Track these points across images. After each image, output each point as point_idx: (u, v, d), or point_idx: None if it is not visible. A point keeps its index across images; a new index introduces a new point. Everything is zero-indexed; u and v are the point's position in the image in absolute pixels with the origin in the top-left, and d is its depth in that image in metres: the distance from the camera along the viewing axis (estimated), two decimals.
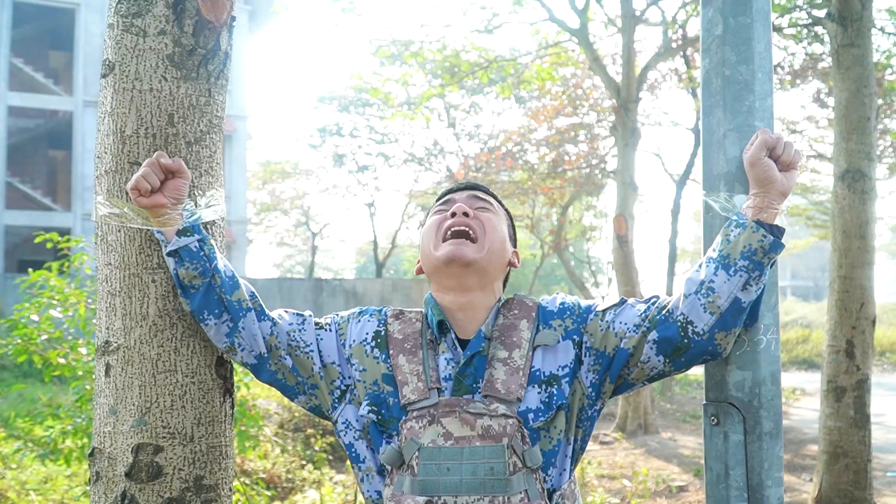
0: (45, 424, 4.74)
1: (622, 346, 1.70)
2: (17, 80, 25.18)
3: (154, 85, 1.85)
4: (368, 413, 1.68)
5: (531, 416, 1.65)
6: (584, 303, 1.82)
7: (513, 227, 1.94)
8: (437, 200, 1.91)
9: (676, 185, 15.94)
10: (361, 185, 31.60)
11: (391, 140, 28.41)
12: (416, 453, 1.59)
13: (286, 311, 1.85)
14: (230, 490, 1.92)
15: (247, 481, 5.92)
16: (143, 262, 1.83)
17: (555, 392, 1.67)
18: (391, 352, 1.74)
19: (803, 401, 14.82)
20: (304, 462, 7.44)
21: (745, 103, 1.73)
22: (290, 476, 6.88)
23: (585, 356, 1.73)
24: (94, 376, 1.93)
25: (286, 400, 8.77)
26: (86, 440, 4.39)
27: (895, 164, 17.37)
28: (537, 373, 1.69)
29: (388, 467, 1.63)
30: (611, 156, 18.33)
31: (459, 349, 1.73)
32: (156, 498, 1.80)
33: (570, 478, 1.72)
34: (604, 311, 1.76)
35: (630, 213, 11.45)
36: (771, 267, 1.63)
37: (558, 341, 1.72)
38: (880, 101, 14.10)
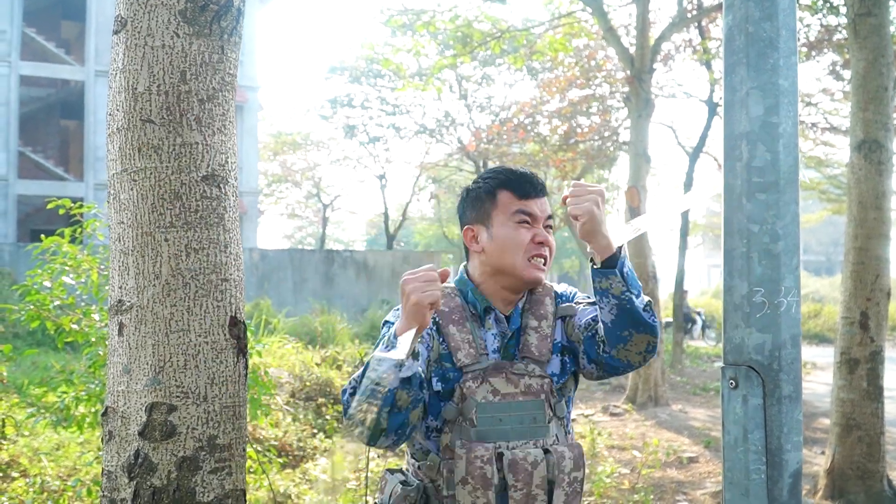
0: (58, 391, 4.75)
1: (577, 337, 2.05)
2: (29, 49, 25.15)
3: (166, 41, 1.83)
4: (437, 384, 1.95)
5: (555, 378, 2.01)
6: (577, 293, 2.18)
7: None
8: (518, 194, 2.04)
9: (689, 157, 15.83)
10: (372, 156, 31.52)
11: (402, 111, 28.26)
12: (475, 408, 1.89)
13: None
14: (243, 450, 1.92)
15: (259, 448, 5.94)
16: (155, 220, 1.82)
17: (568, 361, 2.05)
18: (440, 322, 2.00)
19: (815, 374, 14.78)
20: (315, 431, 7.47)
21: (769, 61, 1.69)
22: (301, 444, 6.90)
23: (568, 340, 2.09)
24: (107, 337, 1.92)
25: (298, 369, 8.81)
26: (99, 406, 4.40)
27: None
28: (557, 343, 2.05)
29: (446, 422, 1.92)
30: (623, 128, 18.22)
31: (505, 324, 2.04)
32: (169, 457, 1.79)
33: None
34: (579, 301, 2.13)
35: (643, 186, 11.37)
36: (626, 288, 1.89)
37: (573, 316, 2.07)
38: None
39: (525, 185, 2.04)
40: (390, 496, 1.93)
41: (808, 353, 19.23)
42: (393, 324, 1.90)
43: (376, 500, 2.02)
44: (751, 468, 1.66)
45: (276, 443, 6.59)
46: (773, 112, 1.68)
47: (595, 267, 1.89)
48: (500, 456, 1.86)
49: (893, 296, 5.76)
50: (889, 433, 8.05)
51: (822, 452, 6.49)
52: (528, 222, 2.03)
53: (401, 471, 2.02)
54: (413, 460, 2.00)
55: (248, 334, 4.92)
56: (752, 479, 1.66)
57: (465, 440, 1.87)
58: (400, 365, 1.72)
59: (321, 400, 8.30)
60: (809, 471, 6.73)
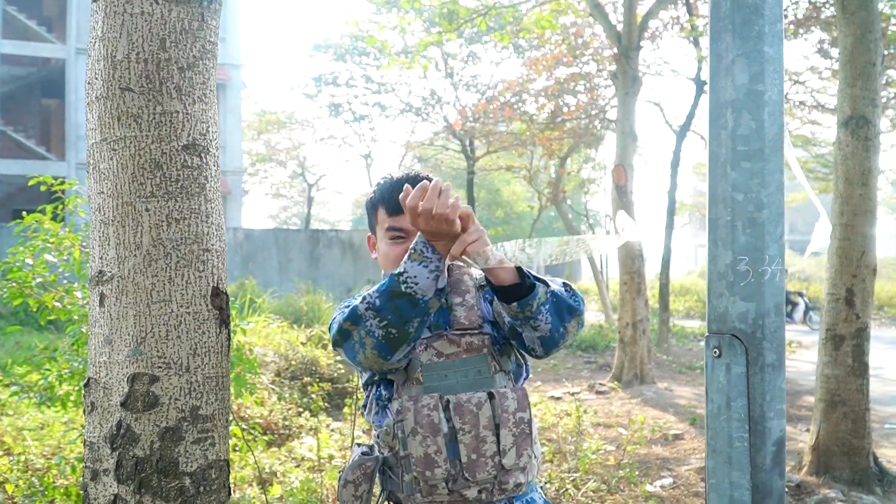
0: (41, 369, 4.74)
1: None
2: (10, 27, 24.91)
3: (145, 8, 1.81)
4: None
5: (493, 342, 2.06)
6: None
7: None
8: (388, 211, 2.05)
9: (677, 136, 15.84)
10: (358, 135, 31.45)
11: (388, 90, 28.14)
12: (420, 368, 1.96)
13: None
14: (227, 421, 1.92)
15: (244, 426, 5.95)
16: (135, 190, 1.81)
17: (497, 334, 2.07)
18: None
19: (799, 353, 14.90)
20: (300, 410, 7.48)
21: (755, 28, 1.69)
22: (287, 423, 6.91)
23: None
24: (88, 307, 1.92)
25: (283, 348, 8.81)
26: (82, 385, 4.39)
27: None
28: (484, 317, 2.09)
29: (394, 386, 1.99)
30: (610, 106, 18.21)
31: None
32: (152, 427, 1.79)
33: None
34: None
35: (629, 164, 11.38)
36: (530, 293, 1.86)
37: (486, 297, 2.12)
38: (885, 52, 13.98)
39: (394, 202, 1.99)
40: (349, 463, 1.99)
41: (795, 331, 19.38)
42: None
43: (339, 472, 2.06)
44: (734, 436, 1.67)
45: (261, 421, 6.60)
46: (759, 80, 1.69)
47: (506, 300, 1.87)
48: (446, 404, 1.92)
49: (878, 275, 5.79)
50: (874, 411, 8.13)
51: (807, 430, 6.55)
52: (401, 237, 2.03)
53: (368, 446, 2.07)
54: (376, 438, 2.03)
55: (233, 313, 4.90)
56: (734, 448, 1.67)
57: (410, 396, 1.93)
58: (437, 275, 1.80)
59: (306, 379, 8.31)
60: (794, 447, 6.79)
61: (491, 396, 1.95)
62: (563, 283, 2.02)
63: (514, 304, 1.85)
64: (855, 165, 5.53)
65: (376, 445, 2.03)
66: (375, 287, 1.84)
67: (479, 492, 1.92)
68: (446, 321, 2.06)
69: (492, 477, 1.92)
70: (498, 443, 1.93)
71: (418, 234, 1.80)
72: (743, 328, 1.68)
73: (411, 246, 1.81)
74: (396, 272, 1.79)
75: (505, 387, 2.00)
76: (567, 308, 1.95)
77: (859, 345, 5.54)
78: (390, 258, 2.03)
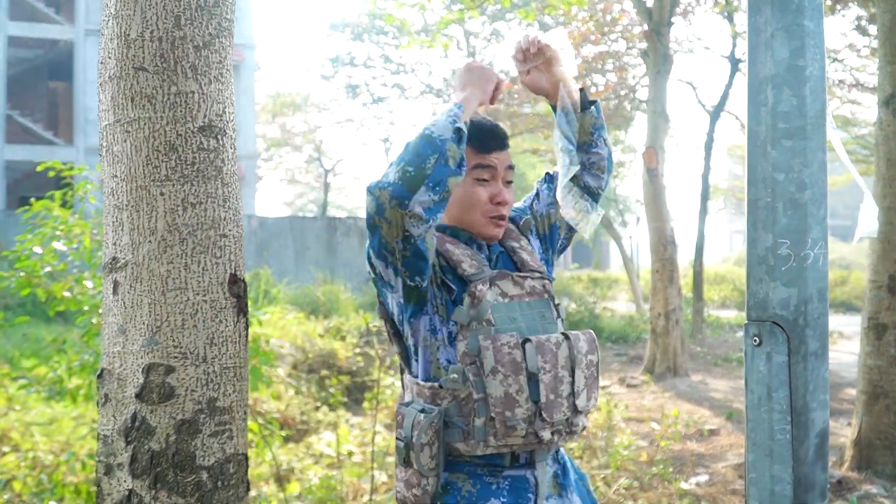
0: (50, 361, 4.77)
1: (551, 222, 2.38)
2: (17, 8, 25.04)
3: None
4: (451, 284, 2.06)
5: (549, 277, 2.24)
6: (521, 204, 2.43)
7: None
8: (478, 148, 2.14)
9: (710, 116, 15.75)
10: (376, 118, 31.51)
11: (407, 70, 28.14)
12: (490, 309, 1.99)
13: None
14: (244, 413, 1.93)
15: (261, 421, 5.99)
16: (150, 173, 1.82)
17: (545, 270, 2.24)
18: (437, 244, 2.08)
19: (841, 344, 14.79)
20: (318, 404, 7.52)
21: (794, 1, 1.68)
22: (304, 418, 6.95)
23: (541, 242, 2.37)
24: (101, 305, 1.94)
25: (300, 340, 8.86)
26: (93, 378, 4.42)
27: None
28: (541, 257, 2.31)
29: (458, 327, 2.01)
30: (641, 86, 18.12)
31: (486, 249, 2.19)
32: (168, 419, 1.80)
33: None
34: (531, 205, 2.40)
35: (661, 146, 11.33)
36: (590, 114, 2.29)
37: (528, 235, 2.32)
38: None
39: (486, 139, 2.15)
40: (412, 427, 1.97)
41: (835, 321, 19.23)
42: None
43: (397, 437, 2.03)
44: (775, 428, 1.66)
45: (277, 415, 6.64)
46: (799, 55, 1.67)
47: (578, 109, 2.23)
48: (524, 343, 1.96)
49: None
50: None
51: (849, 423, 6.51)
52: (486, 179, 2.14)
53: (420, 404, 2.04)
54: (426, 390, 2.01)
55: (248, 301, 4.95)
56: (776, 440, 1.66)
57: (484, 336, 1.96)
58: (455, 118, 1.95)
59: (324, 372, 8.35)
60: (836, 442, 6.76)
61: (566, 337, 2.04)
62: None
63: (592, 107, 2.27)
64: None
65: (422, 401, 2.02)
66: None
67: (553, 433, 1.98)
68: (507, 264, 2.17)
69: (566, 418, 1.99)
70: (573, 383, 2.01)
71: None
72: (784, 315, 1.67)
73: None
74: (427, 125, 1.97)
75: (562, 337, 2.06)
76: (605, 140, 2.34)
77: None
78: (470, 200, 2.13)
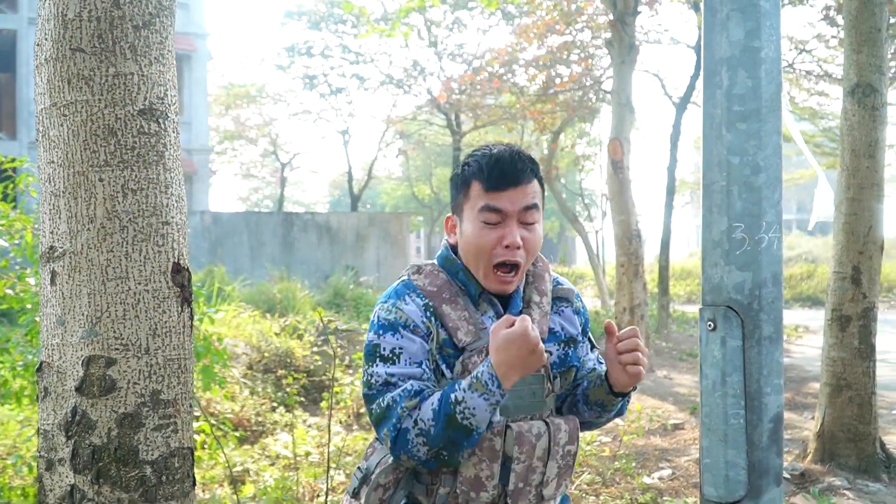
0: None
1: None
2: None
3: None
4: (448, 371, 1.97)
5: (551, 365, 2.07)
6: (585, 310, 2.25)
7: (544, 188, 2.10)
8: (487, 186, 1.97)
9: (676, 108, 15.87)
10: (334, 110, 31.34)
11: (367, 60, 28.04)
12: None
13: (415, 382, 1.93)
14: (190, 406, 1.92)
15: (213, 422, 5.96)
16: (88, 159, 1.80)
17: (570, 353, 2.11)
18: (434, 304, 1.99)
19: (806, 338, 15.01)
20: (274, 404, 7.49)
21: None
22: (260, 419, 6.92)
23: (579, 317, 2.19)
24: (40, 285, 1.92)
25: (255, 339, 8.81)
26: (35, 384, 4.37)
27: None
28: (557, 333, 2.10)
29: None
30: (606, 77, 18.22)
31: (499, 306, 2.05)
32: (109, 413, 1.79)
33: None
34: (588, 341, 2.22)
35: (626, 138, 11.42)
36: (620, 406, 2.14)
37: (573, 312, 2.16)
38: (893, 20, 14.00)
39: (495, 176, 1.95)
40: (377, 465, 1.97)
41: (801, 315, 19.54)
42: (401, 320, 1.95)
43: (360, 466, 2.03)
44: (729, 413, 1.69)
45: (232, 416, 6.61)
46: (755, 36, 1.70)
47: (609, 391, 2.04)
48: (506, 429, 1.92)
49: (887, 256, 5.84)
50: (882, 396, 8.20)
51: (812, 417, 6.61)
52: (494, 222, 1.96)
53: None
54: None
55: (200, 300, 4.89)
56: (730, 425, 1.69)
57: None
58: (495, 408, 1.84)
59: (281, 371, 8.32)
60: (799, 435, 6.86)
61: (546, 424, 1.98)
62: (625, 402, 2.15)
63: (620, 398, 2.05)
64: (861, 136, 5.57)
65: None
66: (429, 405, 1.85)
67: None
68: (518, 314, 2.03)
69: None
70: (544, 473, 1.97)
71: (485, 363, 1.84)
72: (739, 299, 1.69)
73: (474, 374, 1.84)
74: (454, 399, 1.82)
75: (553, 414, 2.05)
76: (618, 413, 2.17)
77: (866, 325, 5.60)
78: (476, 244, 1.97)
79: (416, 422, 1.83)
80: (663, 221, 15.72)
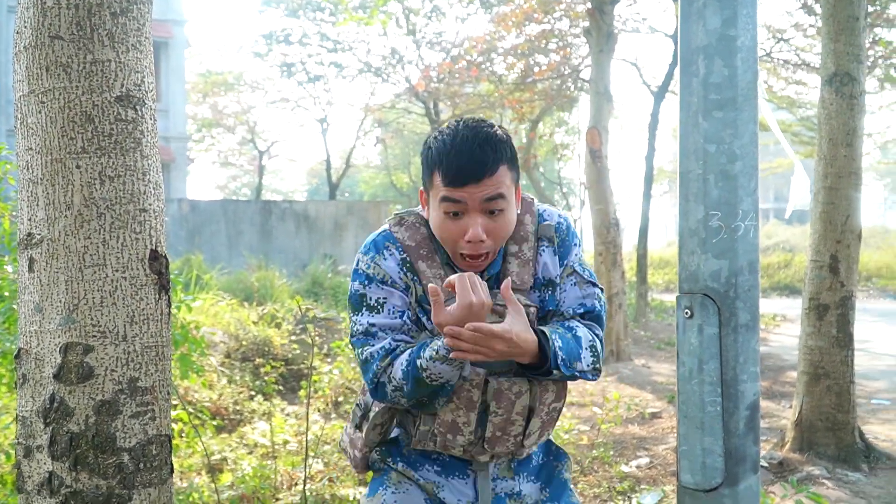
0: None
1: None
2: None
3: None
4: (428, 323, 2.02)
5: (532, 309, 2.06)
6: (571, 240, 2.15)
7: (517, 166, 2.06)
8: (446, 182, 1.93)
9: (654, 97, 15.93)
10: (312, 98, 31.23)
11: (345, 48, 27.94)
12: None
13: (391, 332, 2.00)
14: (168, 394, 1.93)
15: (191, 410, 5.95)
16: (65, 146, 1.80)
17: (546, 297, 2.09)
18: (411, 260, 2.04)
19: (784, 327, 15.13)
20: (252, 393, 7.48)
21: None
22: (238, 408, 6.91)
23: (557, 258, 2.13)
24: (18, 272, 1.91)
25: (233, 328, 8.79)
26: (13, 370, 4.35)
27: (886, 76, 17.47)
28: (538, 279, 2.08)
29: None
30: (584, 66, 18.24)
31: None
32: (87, 400, 1.79)
33: None
34: (570, 271, 2.12)
35: (604, 126, 11.44)
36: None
37: (554, 252, 2.10)
38: (871, 8, 14.12)
39: (453, 172, 1.91)
40: (374, 403, 2.09)
41: (778, 304, 19.68)
42: (379, 274, 2.02)
43: (357, 402, 2.17)
44: (706, 400, 1.71)
45: (209, 405, 6.60)
46: (731, 24, 1.71)
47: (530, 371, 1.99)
48: (486, 382, 1.98)
49: (866, 245, 5.90)
50: (861, 386, 8.30)
51: (790, 406, 6.67)
52: (455, 212, 1.94)
53: None
54: None
55: (178, 288, 4.87)
56: (707, 412, 1.71)
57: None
58: (462, 366, 1.91)
59: (259, 360, 8.31)
60: (777, 424, 6.93)
61: (531, 382, 2.01)
62: (592, 363, 2.03)
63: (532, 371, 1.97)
64: (839, 125, 5.60)
65: None
66: (399, 366, 1.91)
67: (492, 457, 2.07)
68: (497, 274, 2.06)
69: (509, 451, 2.07)
70: (526, 426, 2.04)
71: (443, 339, 1.85)
72: (715, 287, 1.71)
73: (434, 347, 1.88)
74: (419, 366, 1.88)
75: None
76: (575, 379, 2.04)
77: (844, 314, 5.64)
78: (440, 234, 1.99)
79: (390, 379, 1.92)
80: (641, 210, 15.81)
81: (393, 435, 2.16)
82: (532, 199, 2.16)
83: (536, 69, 18.33)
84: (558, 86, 19.12)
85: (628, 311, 12.77)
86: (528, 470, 2.17)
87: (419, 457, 2.12)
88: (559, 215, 2.15)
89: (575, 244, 2.14)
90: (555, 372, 1.92)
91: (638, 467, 5.67)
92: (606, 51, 11.64)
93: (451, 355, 1.83)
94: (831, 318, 5.65)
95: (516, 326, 1.83)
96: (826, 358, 5.67)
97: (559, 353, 1.92)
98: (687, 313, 1.75)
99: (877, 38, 15.51)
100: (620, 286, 11.29)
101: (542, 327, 1.96)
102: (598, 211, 11.35)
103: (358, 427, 2.13)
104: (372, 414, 2.06)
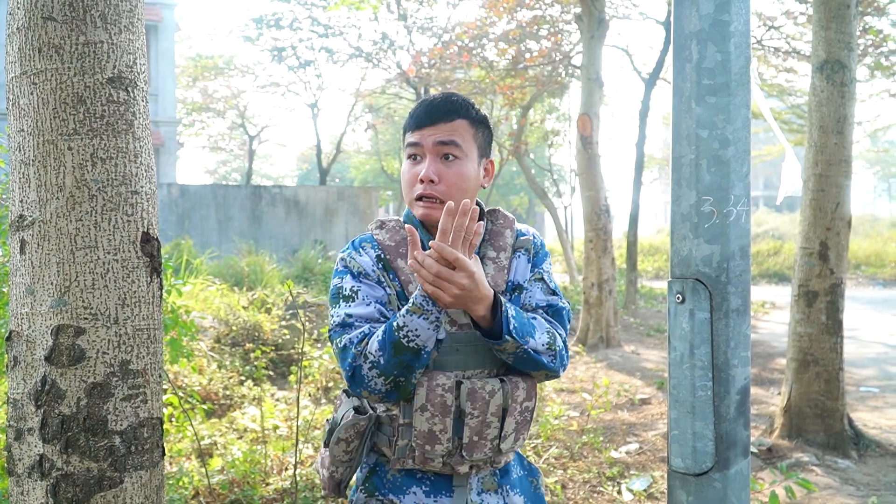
0: None
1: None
2: None
3: None
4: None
5: None
6: (544, 255, 2.24)
7: (489, 135, 2.18)
8: (406, 130, 2.11)
9: (646, 84, 15.93)
10: (303, 83, 31.09)
11: (336, 33, 27.79)
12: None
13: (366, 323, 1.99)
14: (159, 377, 1.92)
15: (181, 395, 5.94)
16: (57, 127, 1.79)
17: (513, 299, 2.12)
18: (388, 257, 2.08)
19: (773, 314, 15.18)
20: (242, 378, 7.48)
21: None
22: (228, 393, 6.91)
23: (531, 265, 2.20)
24: (9, 255, 1.91)
25: (223, 313, 8.78)
26: (4, 353, 4.34)
27: (876, 64, 17.49)
28: (508, 282, 2.13)
29: None
30: (576, 52, 18.21)
31: None
32: (78, 383, 1.79)
33: None
34: (538, 277, 2.17)
35: (595, 113, 11.44)
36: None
37: (528, 260, 2.17)
38: None
39: (417, 115, 2.08)
40: (342, 418, 2.07)
41: (768, 292, 19.75)
42: (355, 267, 2.05)
43: (328, 419, 2.14)
44: (697, 385, 1.72)
45: (199, 389, 6.59)
46: (724, 9, 1.71)
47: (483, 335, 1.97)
48: (458, 384, 1.99)
49: (855, 233, 5.92)
50: (850, 373, 8.34)
51: (779, 393, 6.70)
52: (413, 155, 2.09)
53: (358, 401, 2.12)
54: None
55: (168, 272, 4.86)
56: (697, 397, 1.72)
57: (426, 371, 1.99)
58: (438, 326, 1.88)
59: (249, 345, 8.30)
60: (766, 411, 6.96)
61: (502, 381, 2.02)
62: (547, 342, 2.03)
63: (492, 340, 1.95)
64: (830, 112, 5.62)
65: (366, 401, 2.09)
66: (375, 338, 1.90)
67: (471, 467, 2.05)
68: None
69: (487, 457, 2.04)
70: (501, 428, 2.03)
71: (418, 287, 1.86)
72: (707, 272, 1.72)
73: (411, 299, 1.88)
74: (396, 325, 1.87)
75: (515, 373, 2.06)
76: (536, 364, 2.01)
77: (833, 301, 5.67)
78: (403, 179, 2.10)
79: (365, 356, 1.90)
80: (632, 197, 15.81)
81: (372, 464, 2.13)
82: (513, 218, 2.25)
83: (528, 55, 18.28)
84: (549, 72, 19.08)
85: (618, 297, 12.78)
86: (511, 483, 2.17)
87: (405, 479, 2.08)
88: (534, 234, 2.26)
89: (546, 259, 2.24)
90: (507, 339, 1.91)
91: (627, 453, 5.70)
92: (598, 37, 11.62)
93: (418, 290, 1.85)
94: (820, 305, 5.68)
95: (478, 269, 1.87)
96: (815, 345, 5.70)
97: (511, 320, 1.92)
98: (678, 298, 1.75)
99: (867, 27, 15.52)
100: (610, 273, 11.31)
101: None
102: (588, 198, 11.36)
103: (326, 445, 2.11)
104: (337, 429, 2.05)
